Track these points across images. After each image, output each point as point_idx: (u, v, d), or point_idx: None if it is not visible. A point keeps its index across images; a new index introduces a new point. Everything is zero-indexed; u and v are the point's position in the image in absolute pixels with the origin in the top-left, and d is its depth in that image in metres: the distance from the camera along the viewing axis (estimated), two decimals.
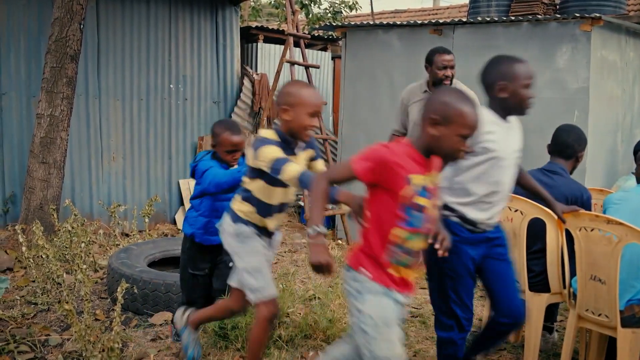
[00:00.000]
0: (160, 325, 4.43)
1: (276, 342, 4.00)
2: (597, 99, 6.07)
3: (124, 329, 4.31)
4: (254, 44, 9.25)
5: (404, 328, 4.51)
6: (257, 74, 8.48)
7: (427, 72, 4.95)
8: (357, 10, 13.58)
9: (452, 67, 4.84)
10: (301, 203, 8.00)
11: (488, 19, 6.61)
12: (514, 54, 6.28)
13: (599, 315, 3.37)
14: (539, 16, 6.61)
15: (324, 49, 10.47)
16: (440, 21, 6.80)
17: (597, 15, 5.95)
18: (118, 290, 3.81)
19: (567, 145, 3.91)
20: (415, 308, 4.98)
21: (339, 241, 7.25)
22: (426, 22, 6.88)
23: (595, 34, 5.96)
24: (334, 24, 8.63)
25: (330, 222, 7.82)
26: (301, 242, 7.05)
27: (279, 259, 6.37)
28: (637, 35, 6.90)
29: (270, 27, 9.96)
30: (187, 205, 7.63)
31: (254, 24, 10.66)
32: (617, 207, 3.48)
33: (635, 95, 6.98)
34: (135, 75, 7.46)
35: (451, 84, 4.87)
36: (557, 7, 9.63)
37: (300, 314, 4.27)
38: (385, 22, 7.28)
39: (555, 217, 3.56)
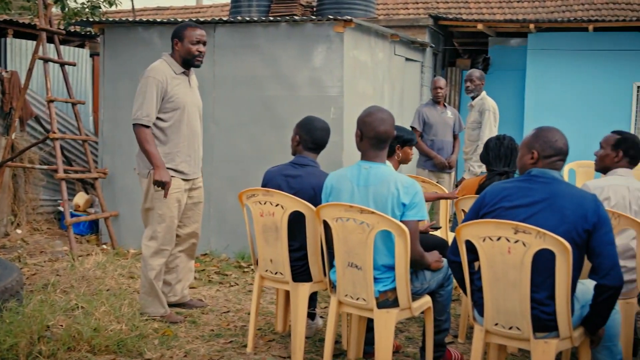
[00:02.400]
0: None
1: (36, 358, 3.74)
2: (351, 96, 6.45)
3: None
4: (3, 39, 8.58)
5: (174, 329, 4.45)
6: (6, 72, 7.84)
7: (176, 49, 4.59)
8: (117, 6, 13.05)
9: (204, 44, 4.60)
10: (60, 209, 7.55)
11: (248, 18, 6.74)
12: (273, 53, 6.54)
13: (357, 299, 3.58)
14: (296, 17, 6.88)
15: (82, 46, 9.99)
16: (202, 19, 6.80)
17: (349, 17, 6.33)
18: None
19: (316, 141, 4.16)
20: (184, 309, 4.93)
21: (104, 246, 6.96)
22: (187, 20, 6.83)
23: (348, 35, 6.33)
24: (92, 19, 8.25)
25: (93, 227, 7.48)
26: (62, 249, 6.65)
27: (38, 269, 5.95)
28: (385, 38, 7.45)
29: (21, 21, 9.30)
30: None
31: (2, 18, 9.83)
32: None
33: (384, 93, 7.53)
34: None
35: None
36: (314, 9, 10.12)
37: (62, 326, 4.03)
38: (145, 20, 7.11)
39: (314, 209, 3.74)
